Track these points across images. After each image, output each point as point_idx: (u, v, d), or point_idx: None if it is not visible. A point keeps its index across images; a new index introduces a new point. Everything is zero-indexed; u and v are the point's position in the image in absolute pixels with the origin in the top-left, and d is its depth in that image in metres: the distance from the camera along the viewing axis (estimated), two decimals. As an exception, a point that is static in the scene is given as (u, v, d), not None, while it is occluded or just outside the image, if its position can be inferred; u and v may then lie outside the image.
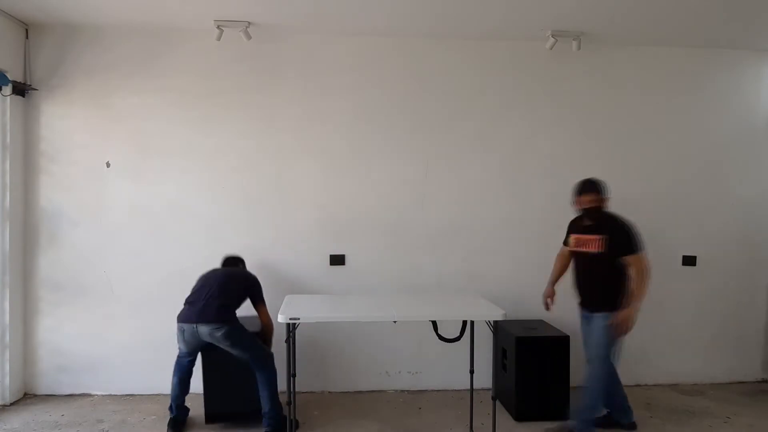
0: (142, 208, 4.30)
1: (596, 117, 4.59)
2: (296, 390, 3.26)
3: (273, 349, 3.69)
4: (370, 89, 4.43)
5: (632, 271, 3.43)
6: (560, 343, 3.95)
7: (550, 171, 4.53)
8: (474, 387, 3.67)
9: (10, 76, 3.98)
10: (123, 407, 4.06)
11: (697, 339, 4.69)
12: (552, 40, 4.25)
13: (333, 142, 4.41)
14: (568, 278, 3.78)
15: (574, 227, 3.74)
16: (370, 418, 3.93)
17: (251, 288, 3.74)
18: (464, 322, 3.56)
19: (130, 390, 4.30)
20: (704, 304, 4.68)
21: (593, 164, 4.34)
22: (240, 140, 4.35)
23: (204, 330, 3.46)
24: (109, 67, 4.25)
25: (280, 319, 3.13)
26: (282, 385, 3.50)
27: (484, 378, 4.03)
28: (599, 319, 3.48)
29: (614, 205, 3.64)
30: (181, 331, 3.55)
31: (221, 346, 3.51)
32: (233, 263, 3.98)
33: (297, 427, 3.67)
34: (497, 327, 3.31)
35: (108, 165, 4.28)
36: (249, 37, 4.15)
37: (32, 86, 4.17)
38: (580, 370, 3.93)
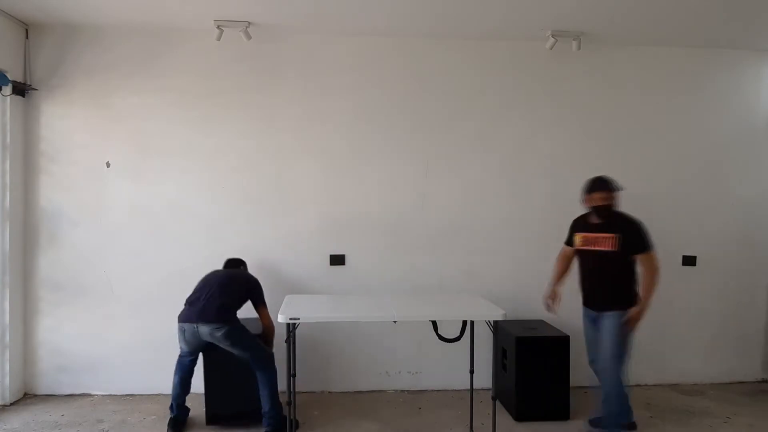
0: (142, 208, 4.30)
1: (596, 117, 4.59)
2: (296, 390, 3.26)
3: (273, 349, 3.70)
4: (370, 89, 4.43)
5: (642, 269, 3.43)
6: (560, 343, 3.95)
7: (550, 171, 4.53)
8: (474, 387, 3.67)
9: (10, 76, 3.98)
10: (123, 407, 4.06)
11: (697, 339, 4.69)
12: (552, 40, 4.25)
13: (333, 142, 4.41)
14: (568, 279, 3.78)
15: (580, 226, 3.70)
16: (370, 418, 3.93)
17: (252, 290, 3.75)
18: (464, 322, 3.56)
19: (130, 390, 4.30)
20: (704, 304, 4.68)
21: (593, 164, 4.32)
22: (240, 140, 4.35)
23: (204, 330, 3.47)
24: (109, 67, 4.25)
25: (280, 319, 3.13)
26: (282, 385, 3.50)
27: (484, 378, 4.03)
28: (610, 319, 3.44)
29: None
30: (182, 331, 3.56)
31: (222, 345, 3.51)
32: (235, 265, 3.98)
33: (297, 427, 3.67)
34: (497, 327, 3.31)
35: (108, 165, 4.28)
36: (249, 37, 4.15)
37: (32, 86, 4.17)
38: (580, 370, 3.94)
